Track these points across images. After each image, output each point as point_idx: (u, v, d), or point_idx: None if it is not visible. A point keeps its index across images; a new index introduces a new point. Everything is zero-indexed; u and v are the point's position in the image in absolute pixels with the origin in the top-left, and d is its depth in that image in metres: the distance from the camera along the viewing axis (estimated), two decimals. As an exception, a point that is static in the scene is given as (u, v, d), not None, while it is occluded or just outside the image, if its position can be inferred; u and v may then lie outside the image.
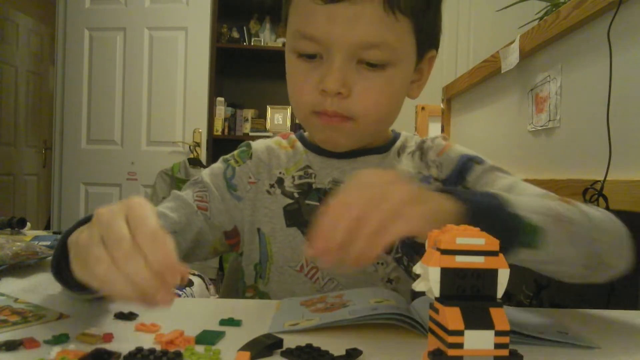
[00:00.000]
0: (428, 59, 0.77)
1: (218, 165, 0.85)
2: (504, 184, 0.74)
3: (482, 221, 0.50)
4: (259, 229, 0.80)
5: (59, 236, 1.86)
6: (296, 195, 0.80)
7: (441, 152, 0.82)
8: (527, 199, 0.60)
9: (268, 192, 0.81)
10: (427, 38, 0.74)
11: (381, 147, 0.82)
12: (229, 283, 0.92)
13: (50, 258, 1.51)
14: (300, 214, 0.79)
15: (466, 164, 0.79)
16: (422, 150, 0.83)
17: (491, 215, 0.53)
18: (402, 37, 0.69)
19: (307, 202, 0.79)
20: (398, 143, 0.84)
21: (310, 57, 0.70)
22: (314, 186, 0.80)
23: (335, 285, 0.76)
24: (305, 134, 0.87)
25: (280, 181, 0.82)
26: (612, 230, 0.62)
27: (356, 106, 0.70)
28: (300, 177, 0.81)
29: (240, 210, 0.81)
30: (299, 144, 0.86)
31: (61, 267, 0.55)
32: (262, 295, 0.79)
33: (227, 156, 0.86)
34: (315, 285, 0.76)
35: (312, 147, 0.84)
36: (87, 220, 0.52)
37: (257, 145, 0.87)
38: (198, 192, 0.80)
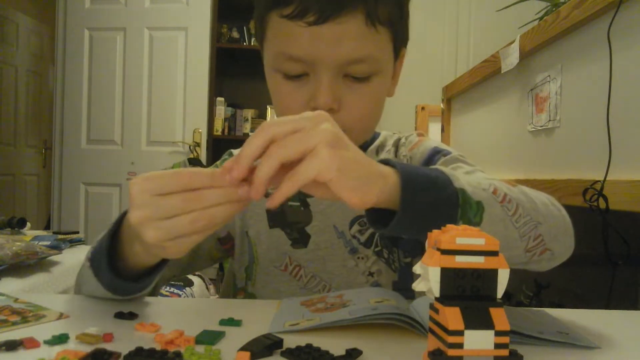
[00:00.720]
0: (400, 57, 0.79)
1: None
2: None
3: (417, 188, 0.52)
4: (246, 232, 0.82)
5: (59, 236, 1.85)
6: None
7: (412, 147, 0.83)
8: (471, 176, 0.59)
9: None
10: (401, 40, 0.76)
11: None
12: (228, 283, 0.92)
13: (50, 258, 1.51)
14: (282, 215, 0.80)
15: (433, 156, 0.80)
16: (397, 147, 0.85)
17: (427, 183, 0.53)
18: (384, 47, 0.71)
19: (290, 203, 0.80)
20: (376, 142, 0.85)
21: (297, 76, 0.70)
22: None
23: (317, 282, 0.77)
24: None
25: None
26: (556, 216, 0.62)
27: (347, 119, 0.71)
28: None
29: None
30: None
31: (102, 270, 0.59)
32: (250, 297, 0.80)
33: (211, 167, 0.87)
34: (299, 283, 0.78)
35: None
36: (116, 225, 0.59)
37: None
38: None
